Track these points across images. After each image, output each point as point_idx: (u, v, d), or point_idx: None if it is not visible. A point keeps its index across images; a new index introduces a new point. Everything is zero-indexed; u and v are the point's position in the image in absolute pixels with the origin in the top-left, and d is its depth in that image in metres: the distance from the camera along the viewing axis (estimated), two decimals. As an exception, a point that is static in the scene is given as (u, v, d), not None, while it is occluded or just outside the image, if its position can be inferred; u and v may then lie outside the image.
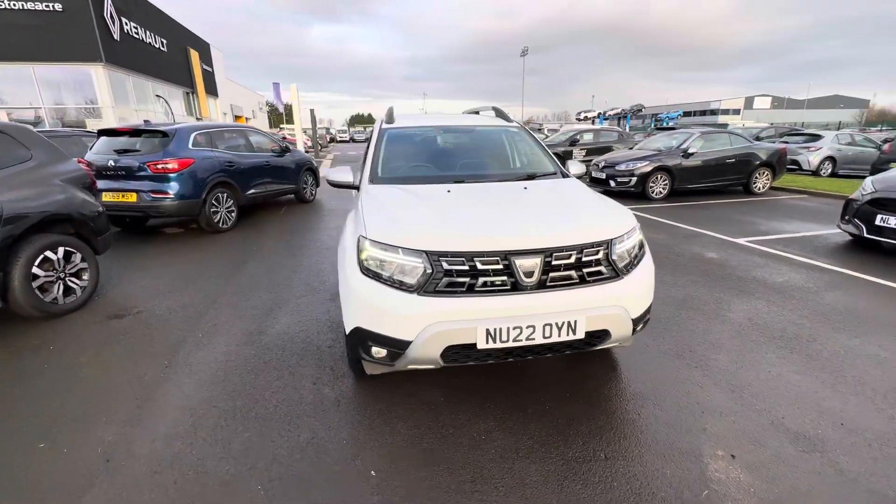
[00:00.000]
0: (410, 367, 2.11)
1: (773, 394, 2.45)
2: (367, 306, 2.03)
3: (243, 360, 2.86)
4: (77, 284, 3.67)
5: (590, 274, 2.07)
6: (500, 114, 3.95)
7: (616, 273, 2.13)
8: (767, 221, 6.90)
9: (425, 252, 1.97)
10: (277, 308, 3.69)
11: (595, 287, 2.06)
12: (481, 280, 1.96)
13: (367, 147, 3.80)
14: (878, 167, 11.45)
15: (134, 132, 5.95)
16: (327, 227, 6.70)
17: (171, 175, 5.65)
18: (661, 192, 8.86)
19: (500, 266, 1.97)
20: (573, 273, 2.04)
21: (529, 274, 1.99)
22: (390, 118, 3.56)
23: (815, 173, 12.52)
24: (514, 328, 1.96)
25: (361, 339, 2.10)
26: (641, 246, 2.32)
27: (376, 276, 2.04)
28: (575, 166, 3.26)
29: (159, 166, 5.60)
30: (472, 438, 2.13)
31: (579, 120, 40.07)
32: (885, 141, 12.80)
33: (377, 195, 2.60)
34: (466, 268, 1.96)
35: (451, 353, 1.98)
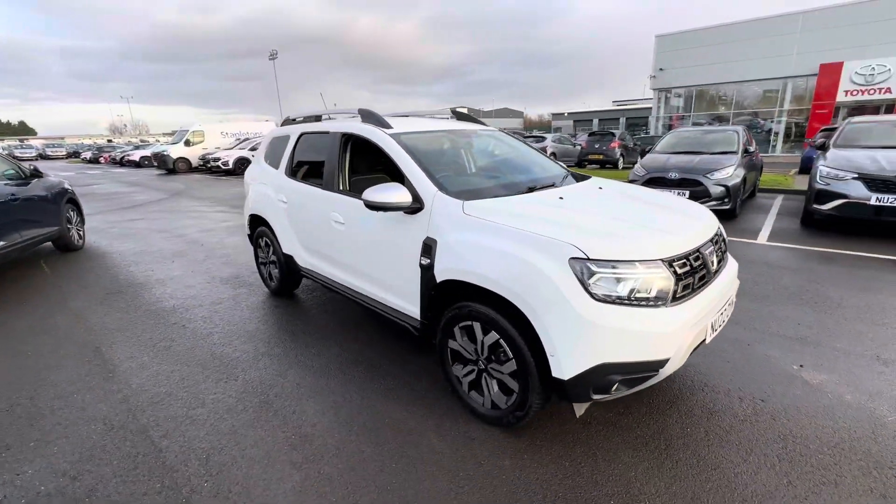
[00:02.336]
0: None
1: (752, 318, 3.39)
2: (618, 335, 1.75)
3: (347, 485, 1.90)
4: None
5: (722, 253, 2.39)
6: (465, 117, 3.77)
7: (726, 249, 2.52)
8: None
9: (661, 260, 1.85)
10: (273, 398, 2.52)
11: (728, 265, 2.39)
12: (697, 277, 2.00)
13: (340, 160, 3.03)
14: (582, 158, 16.34)
15: None
16: (170, 279, 4.76)
17: None
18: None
19: (701, 261, 2.05)
20: (722, 255, 2.32)
21: (713, 263, 2.15)
22: (385, 123, 2.91)
23: (546, 165, 16.78)
24: (720, 314, 2.09)
25: (603, 377, 1.79)
26: None
27: (618, 300, 1.78)
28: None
29: None
30: (706, 434, 2.14)
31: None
32: (575, 135, 18.44)
33: (508, 210, 2.16)
34: (689, 268, 1.95)
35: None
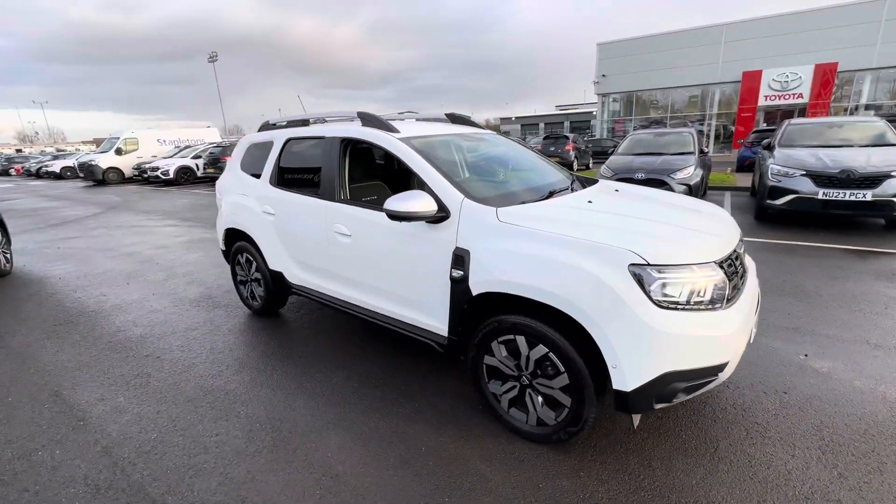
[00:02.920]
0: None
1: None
2: (681, 342, 1.70)
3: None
4: None
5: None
6: (461, 120, 3.63)
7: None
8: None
9: (714, 262, 1.83)
10: (287, 434, 2.25)
11: (750, 265, 2.43)
12: (738, 277, 2.00)
13: (340, 167, 2.83)
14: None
15: None
16: (129, 305, 4.23)
17: None
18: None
19: (739, 261, 2.06)
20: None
21: (745, 263, 2.17)
22: (390, 127, 2.72)
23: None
24: (755, 313, 2.11)
25: (666, 386, 1.73)
26: None
27: (678, 306, 1.72)
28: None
29: None
30: (747, 432, 2.14)
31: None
32: (525, 138, 19.00)
33: (545, 216, 2.07)
34: (733, 269, 1.95)
35: (735, 358, 1.94)
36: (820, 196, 5.78)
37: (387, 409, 2.44)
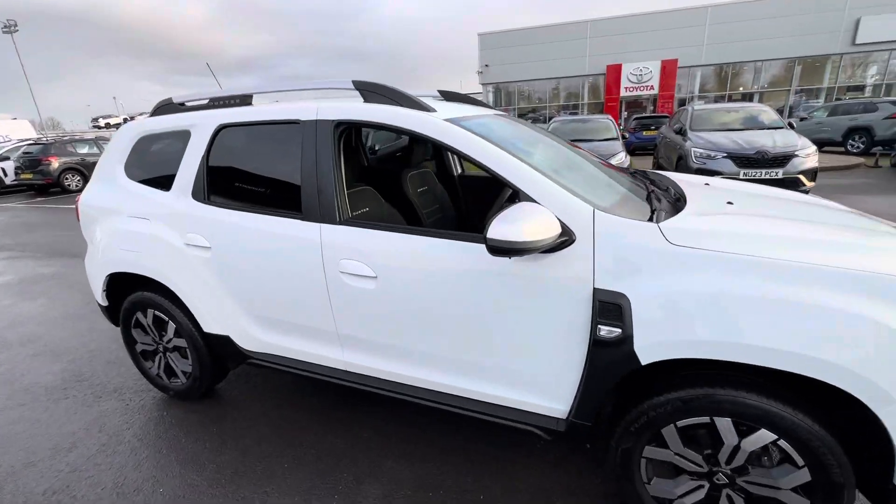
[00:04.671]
0: None
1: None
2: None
3: None
4: None
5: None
6: (458, 97, 2.71)
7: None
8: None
9: None
10: None
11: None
12: None
13: (335, 167, 1.82)
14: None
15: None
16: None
17: None
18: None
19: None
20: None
21: None
22: (419, 103, 1.75)
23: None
24: None
25: None
26: None
27: None
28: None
29: None
30: None
31: (100, 128, 33.37)
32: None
33: (727, 231, 1.37)
34: None
35: None
36: (741, 176, 6.21)
37: (482, 546, 1.56)
